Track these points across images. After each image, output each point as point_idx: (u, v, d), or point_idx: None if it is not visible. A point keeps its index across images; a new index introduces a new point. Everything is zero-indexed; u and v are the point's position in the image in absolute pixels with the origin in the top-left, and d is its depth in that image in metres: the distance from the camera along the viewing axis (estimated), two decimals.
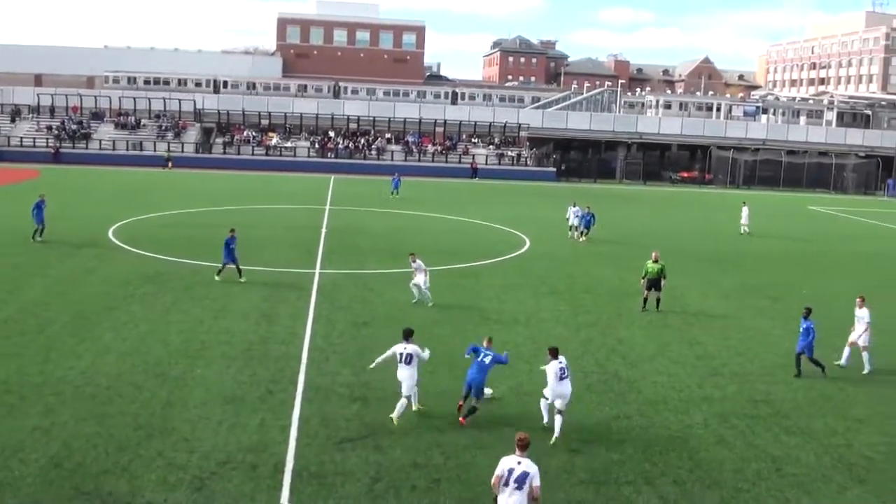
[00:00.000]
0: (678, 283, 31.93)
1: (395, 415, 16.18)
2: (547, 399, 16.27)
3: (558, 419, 15.87)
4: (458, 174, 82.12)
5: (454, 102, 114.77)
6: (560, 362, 16.09)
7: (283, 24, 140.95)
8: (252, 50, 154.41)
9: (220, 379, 18.14)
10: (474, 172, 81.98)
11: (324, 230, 40.68)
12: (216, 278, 28.48)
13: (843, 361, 22.01)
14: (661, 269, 27.01)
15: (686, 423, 17.16)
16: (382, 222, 45.67)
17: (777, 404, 18.75)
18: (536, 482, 11.19)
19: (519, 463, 11.27)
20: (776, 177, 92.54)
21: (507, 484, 11.13)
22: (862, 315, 22.20)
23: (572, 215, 43.55)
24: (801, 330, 20.95)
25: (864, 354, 21.81)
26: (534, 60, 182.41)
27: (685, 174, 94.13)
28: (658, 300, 27.06)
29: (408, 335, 17.31)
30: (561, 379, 15.94)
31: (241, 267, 28.61)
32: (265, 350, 20.53)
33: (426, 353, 17.20)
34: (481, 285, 30.03)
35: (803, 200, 77.93)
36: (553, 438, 15.68)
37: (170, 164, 77.55)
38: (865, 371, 21.62)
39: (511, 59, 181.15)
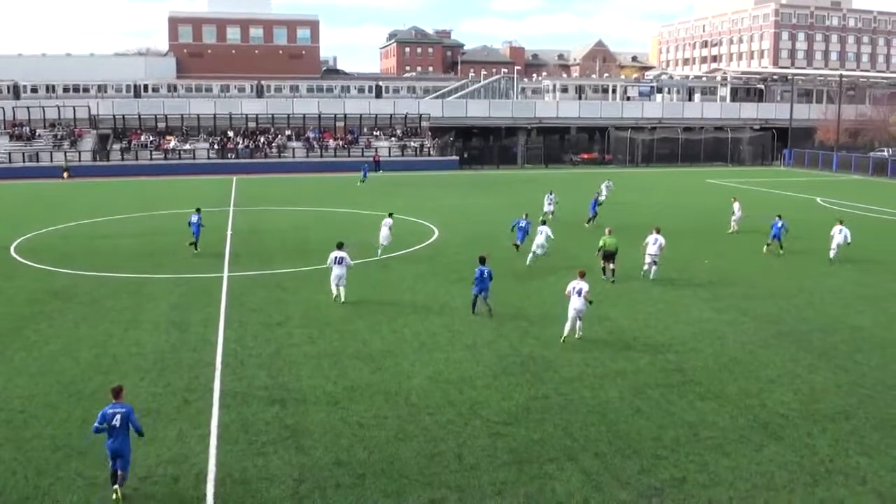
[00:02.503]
0: (584, 260, 32.52)
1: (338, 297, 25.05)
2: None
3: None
4: (361, 168, 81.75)
5: (353, 96, 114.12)
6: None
7: (174, 23, 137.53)
8: (145, 51, 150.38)
9: (134, 392, 17.67)
10: (377, 165, 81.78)
11: (229, 232, 40.06)
12: (188, 246, 34.46)
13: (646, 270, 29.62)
14: (616, 242, 29.30)
15: (602, 398, 17.54)
16: (287, 220, 45.21)
17: (689, 372, 19.32)
18: (587, 290, 21.38)
19: (579, 283, 21.45)
20: (674, 153, 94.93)
21: (574, 294, 21.38)
22: (656, 239, 29.48)
23: (546, 203, 45.40)
24: (476, 277, 24.12)
25: (654, 267, 29.44)
26: (430, 50, 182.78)
27: (585, 156, 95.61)
28: (613, 270, 29.20)
29: (339, 246, 26.00)
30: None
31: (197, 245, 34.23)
32: (178, 359, 20.15)
33: (352, 262, 26.01)
34: (393, 277, 30.06)
35: (702, 174, 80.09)
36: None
37: (66, 174, 75.12)
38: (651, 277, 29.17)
39: (408, 49, 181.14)
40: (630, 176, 74.26)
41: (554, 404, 17.18)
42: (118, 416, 12.89)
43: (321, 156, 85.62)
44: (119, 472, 12.90)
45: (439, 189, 63.79)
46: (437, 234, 39.95)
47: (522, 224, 34.97)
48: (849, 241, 33.40)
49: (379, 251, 33.80)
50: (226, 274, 30.49)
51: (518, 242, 34.55)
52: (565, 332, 21.70)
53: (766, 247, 35.49)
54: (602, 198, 48.46)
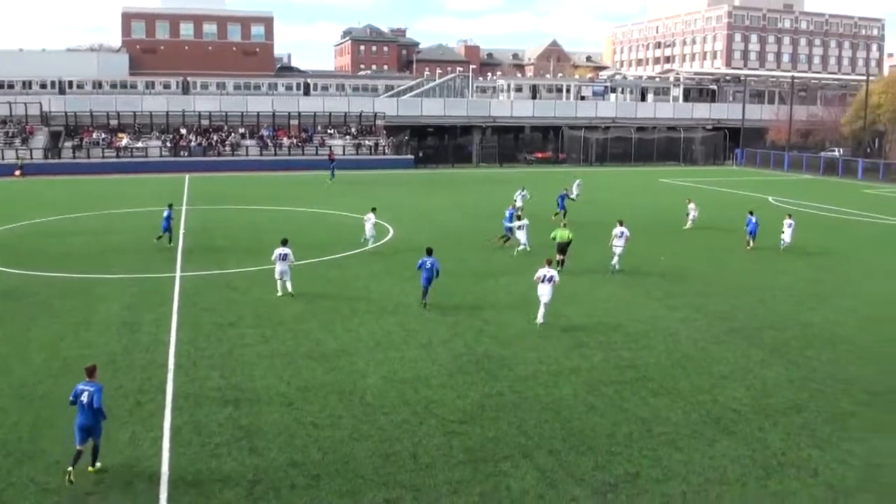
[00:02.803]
0: (540, 259, 32.69)
1: (285, 292, 25.88)
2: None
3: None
4: (316, 166, 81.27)
5: (307, 94, 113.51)
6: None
7: (127, 18, 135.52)
8: (97, 47, 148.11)
9: None
10: (332, 164, 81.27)
11: (182, 231, 39.58)
12: (155, 241, 35.44)
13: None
14: (569, 234, 31.11)
15: (557, 395, 17.64)
16: (241, 219, 44.82)
17: (642, 368, 19.52)
18: (556, 279, 23.09)
19: (548, 271, 23.05)
20: (627, 153, 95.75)
21: (542, 281, 22.84)
22: (622, 232, 31.06)
23: (519, 199, 46.01)
24: (427, 266, 24.96)
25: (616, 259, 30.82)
26: (385, 49, 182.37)
27: (539, 155, 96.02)
28: (562, 261, 30.42)
29: (284, 243, 26.67)
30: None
31: (165, 236, 35.43)
32: (130, 360, 19.86)
33: (294, 260, 26.81)
34: (348, 276, 29.94)
35: (655, 174, 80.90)
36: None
37: (19, 172, 73.57)
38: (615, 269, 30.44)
39: (363, 47, 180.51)
40: (584, 175, 74.72)
41: (508, 402, 17.24)
42: (86, 393, 13.74)
43: (275, 154, 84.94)
44: (94, 445, 13.89)
45: (394, 188, 63.66)
46: (392, 232, 39.87)
47: (508, 214, 37.16)
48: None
49: (371, 242, 35.79)
50: (178, 274, 30.14)
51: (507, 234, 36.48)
52: (539, 318, 23.07)
53: (748, 245, 36.52)
54: (573, 196, 49.61)
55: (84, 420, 13.70)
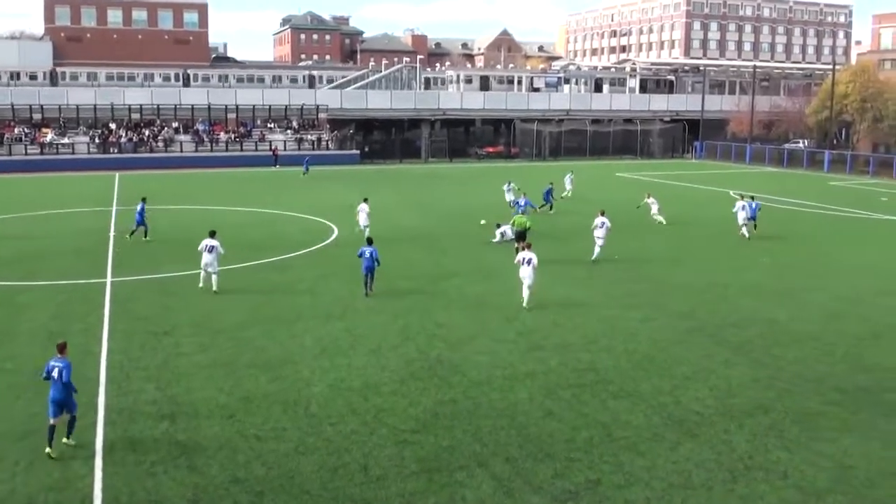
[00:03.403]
0: (492, 260, 32.88)
1: (208, 285, 27.04)
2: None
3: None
4: (258, 162, 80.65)
5: (243, 84, 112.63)
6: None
7: (50, 4, 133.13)
8: (18, 34, 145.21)
9: (9, 413, 17.06)
10: (276, 159, 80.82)
11: (112, 234, 38.99)
12: (127, 238, 36.64)
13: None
14: (526, 221, 33.91)
15: (512, 401, 17.71)
16: (176, 220, 44.30)
17: (601, 371, 19.67)
18: (535, 262, 25.16)
19: (527, 254, 25.55)
20: (582, 146, 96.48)
21: (522, 264, 25.31)
22: (603, 222, 32.80)
23: (509, 193, 48.07)
24: (366, 255, 26.87)
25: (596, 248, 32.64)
26: (327, 37, 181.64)
27: (491, 149, 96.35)
28: (517, 248, 30.74)
29: (212, 234, 27.86)
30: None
31: (140, 230, 36.63)
32: None
33: (223, 250, 27.44)
34: (291, 279, 29.76)
35: (611, 168, 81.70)
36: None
37: None
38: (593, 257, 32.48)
39: (303, 36, 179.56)
40: (537, 170, 75.11)
41: (463, 409, 17.26)
42: (56, 369, 15.28)
43: (211, 150, 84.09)
44: (69, 418, 15.42)
45: (339, 184, 63.42)
46: (337, 232, 39.71)
47: (521, 203, 41.73)
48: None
49: (367, 232, 35.83)
50: (109, 279, 29.69)
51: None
52: (525, 302, 25.30)
53: (743, 231, 38.47)
54: (566, 192, 52.53)
55: (56, 394, 15.17)
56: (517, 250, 30.43)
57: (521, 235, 32.75)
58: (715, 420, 16.75)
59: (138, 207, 37.51)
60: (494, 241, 36.63)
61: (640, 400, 17.82)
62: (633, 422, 16.62)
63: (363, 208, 38.28)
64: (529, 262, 25.30)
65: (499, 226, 37.50)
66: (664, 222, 42.18)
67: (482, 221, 40.47)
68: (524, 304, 25.30)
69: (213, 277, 27.27)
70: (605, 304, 26.22)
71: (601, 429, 16.24)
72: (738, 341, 22.21)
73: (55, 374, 15.24)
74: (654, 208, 43.19)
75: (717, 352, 21.26)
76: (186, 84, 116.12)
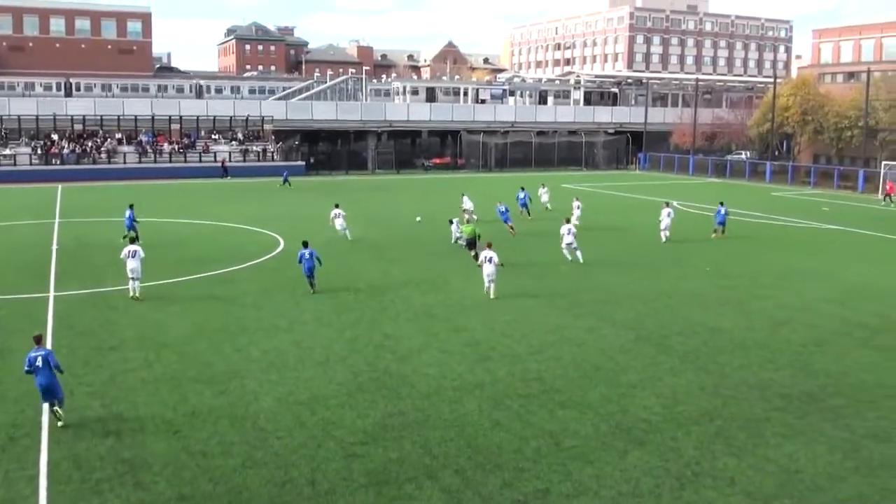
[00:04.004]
0: (440, 270, 32.92)
1: (135, 294, 27.83)
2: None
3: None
4: (203, 174, 79.79)
5: (195, 95, 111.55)
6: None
7: None
8: None
9: None
10: (225, 171, 79.96)
11: (54, 247, 38.30)
12: (121, 241, 36.02)
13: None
14: (474, 228, 35.47)
15: (461, 412, 17.72)
16: (119, 233, 43.59)
17: (549, 381, 19.77)
18: (496, 259, 28.19)
19: (488, 253, 28.34)
20: (528, 158, 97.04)
21: (485, 262, 28.22)
22: (569, 229, 34.86)
23: (467, 203, 47.87)
24: (306, 257, 29.21)
25: (577, 252, 34.69)
26: (272, 48, 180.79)
27: (437, 160, 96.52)
28: (476, 255, 33.29)
29: (132, 240, 30.78)
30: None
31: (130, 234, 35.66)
32: (1, 391, 19.10)
33: (143, 254, 28.53)
34: (236, 292, 29.47)
35: (556, 179, 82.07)
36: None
37: None
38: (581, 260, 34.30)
39: (248, 47, 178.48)
40: (484, 181, 75.47)
41: (411, 421, 17.24)
42: (39, 358, 16.86)
43: (155, 161, 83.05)
44: (55, 405, 16.83)
45: (284, 196, 63.06)
46: (283, 244, 39.44)
47: (521, 195, 48.76)
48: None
49: (347, 234, 40.29)
50: (52, 294, 29.15)
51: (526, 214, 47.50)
52: (491, 294, 28.20)
53: (713, 234, 41.83)
54: (545, 203, 53.66)
55: (43, 379, 16.70)
56: (475, 257, 33.26)
57: (471, 243, 34.66)
58: (662, 428, 16.92)
59: (127, 214, 40.24)
60: (458, 241, 38.09)
61: (588, 409, 17.94)
62: (581, 431, 16.73)
63: (338, 213, 40.93)
64: (491, 259, 28.26)
65: (451, 222, 39.36)
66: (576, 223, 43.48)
67: (417, 218, 43.18)
68: (491, 296, 28.03)
69: (135, 283, 28.18)
70: (552, 314, 26.37)
71: (549, 438, 16.32)
72: (684, 350, 22.48)
73: (39, 363, 16.72)
74: (576, 213, 45.17)
75: (663, 360, 21.51)
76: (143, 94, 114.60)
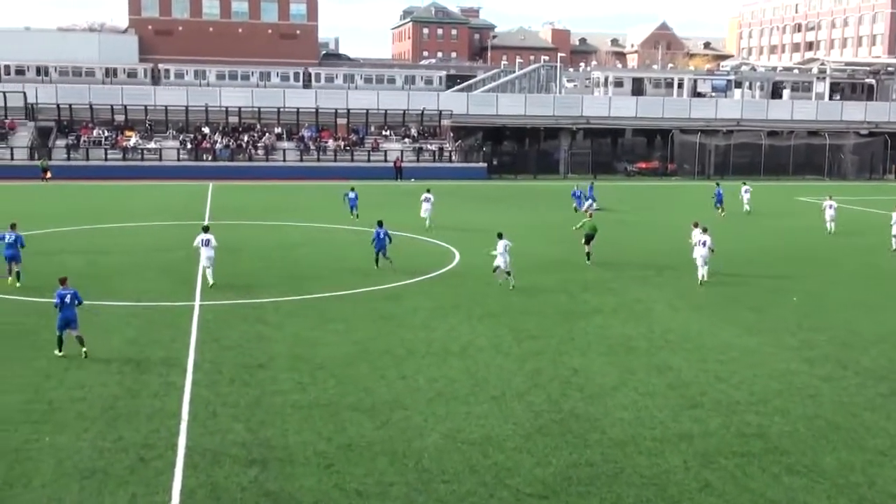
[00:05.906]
0: (641, 296, 32.44)
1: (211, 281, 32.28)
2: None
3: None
4: (372, 174, 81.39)
5: (356, 86, 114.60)
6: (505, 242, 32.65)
7: None
8: (98, 27, 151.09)
9: (75, 447, 17.62)
10: (398, 172, 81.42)
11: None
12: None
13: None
14: (594, 224, 39.36)
15: (662, 468, 17.33)
16: (275, 238, 45.30)
17: (773, 439, 19.04)
18: (710, 243, 34.45)
19: (704, 236, 34.56)
20: (755, 163, 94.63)
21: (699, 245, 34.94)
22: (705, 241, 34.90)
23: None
24: (377, 237, 35.87)
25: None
26: (454, 32, 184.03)
27: (643, 165, 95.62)
28: (588, 253, 38.59)
29: (205, 230, 33.48)
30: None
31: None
32: (134, 406, 20.07)
33: (216, 242, 32.77)
34: (405, 310, 29.98)
35: (790, 190, 79.72)
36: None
37: (47, 175, 74.74)
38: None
39: (426, 31, 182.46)
40: (699, 189, 73.91)
41: (601, 473, 16.99)
42: (68, 296, 23.49)
43: (318, 160, 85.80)
44: (72, 333, 23.58)
45: (462, 203, 63.79)
46: (459, 258, 39.88)
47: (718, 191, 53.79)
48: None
49: (428, 223, 49.14)
50: (197, 303, 30.50)
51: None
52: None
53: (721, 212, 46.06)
54: (745, 202, 58.29)
55: (68, 313, 23.42)
56: (587, 256, 38.49)
57: (589, 237, 38.80)
58: None
59: (352, 195, 53.69)
60: (496, 269, 34.46)
61: (822, 477, 17.13)
62: (812, 503, 16.03)
63: (427, 197, 49.81)
64: (705, 244, 33.95)
65: (500, 236, 35.84)
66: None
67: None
68: (705, 278, 34.36)
69: (209, 271, 32.31)
70: (779, 355, 25.46)
71: None
72: None
73: (67, 300, 23.36)
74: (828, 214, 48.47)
75: None
76: (307, 85, 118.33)
